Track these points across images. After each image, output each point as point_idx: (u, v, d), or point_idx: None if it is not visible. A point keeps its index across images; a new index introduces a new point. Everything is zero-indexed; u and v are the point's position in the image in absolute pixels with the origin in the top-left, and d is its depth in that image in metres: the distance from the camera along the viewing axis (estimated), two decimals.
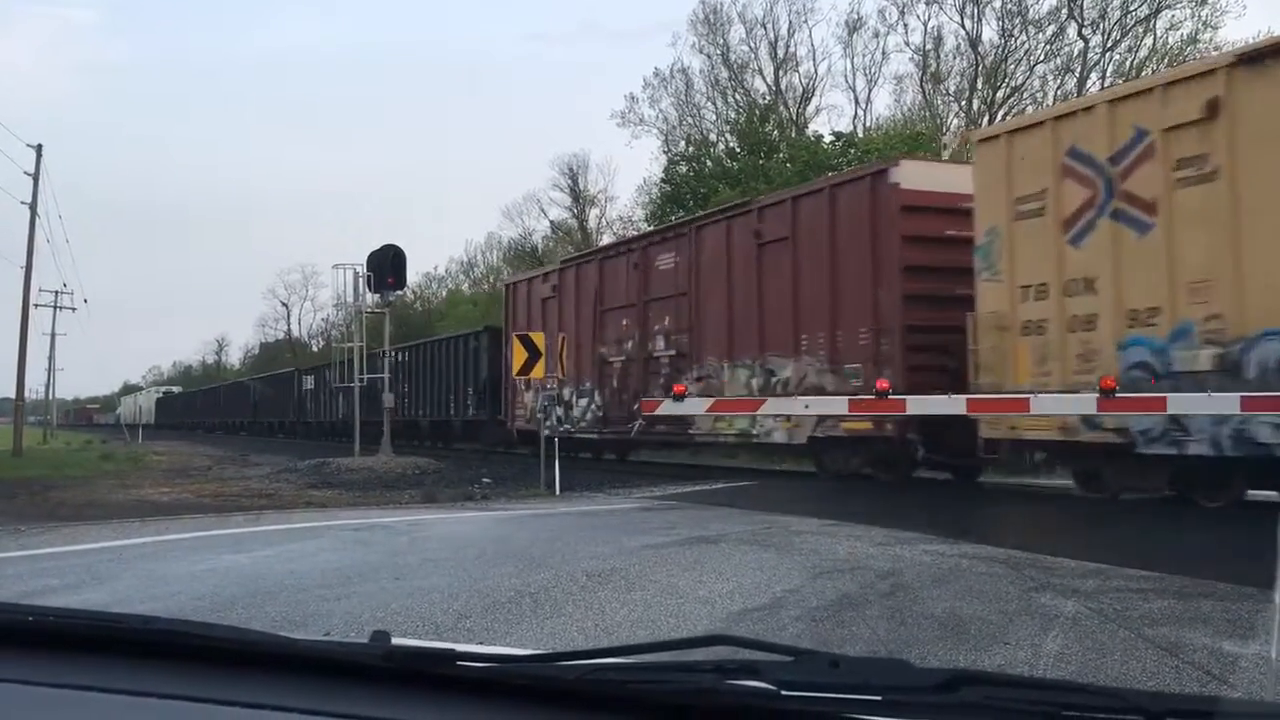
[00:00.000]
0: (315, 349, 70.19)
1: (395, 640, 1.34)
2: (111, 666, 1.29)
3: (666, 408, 16.51)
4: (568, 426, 18.51)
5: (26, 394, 33.48)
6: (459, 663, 1.22)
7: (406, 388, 29.24)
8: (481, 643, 4.42)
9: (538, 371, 14.58)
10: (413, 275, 54.95)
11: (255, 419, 51.47)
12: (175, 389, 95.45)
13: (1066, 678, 3.96)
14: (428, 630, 4.79)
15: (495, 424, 23.38)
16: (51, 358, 57.80)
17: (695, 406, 15.94)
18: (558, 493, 13.41)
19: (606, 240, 46.31)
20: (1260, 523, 8.31)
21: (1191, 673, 4.02)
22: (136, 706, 1.21)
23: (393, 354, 28.17)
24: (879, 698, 1.09)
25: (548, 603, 5.44)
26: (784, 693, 1.10)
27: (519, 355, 14.50)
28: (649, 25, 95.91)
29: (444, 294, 61.24)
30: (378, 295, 20.73)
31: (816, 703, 1.11)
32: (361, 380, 20.94)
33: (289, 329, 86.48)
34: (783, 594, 5.68)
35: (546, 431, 17.07)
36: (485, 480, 15.87)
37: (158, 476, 18.22)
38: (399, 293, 27.69)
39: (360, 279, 20.18)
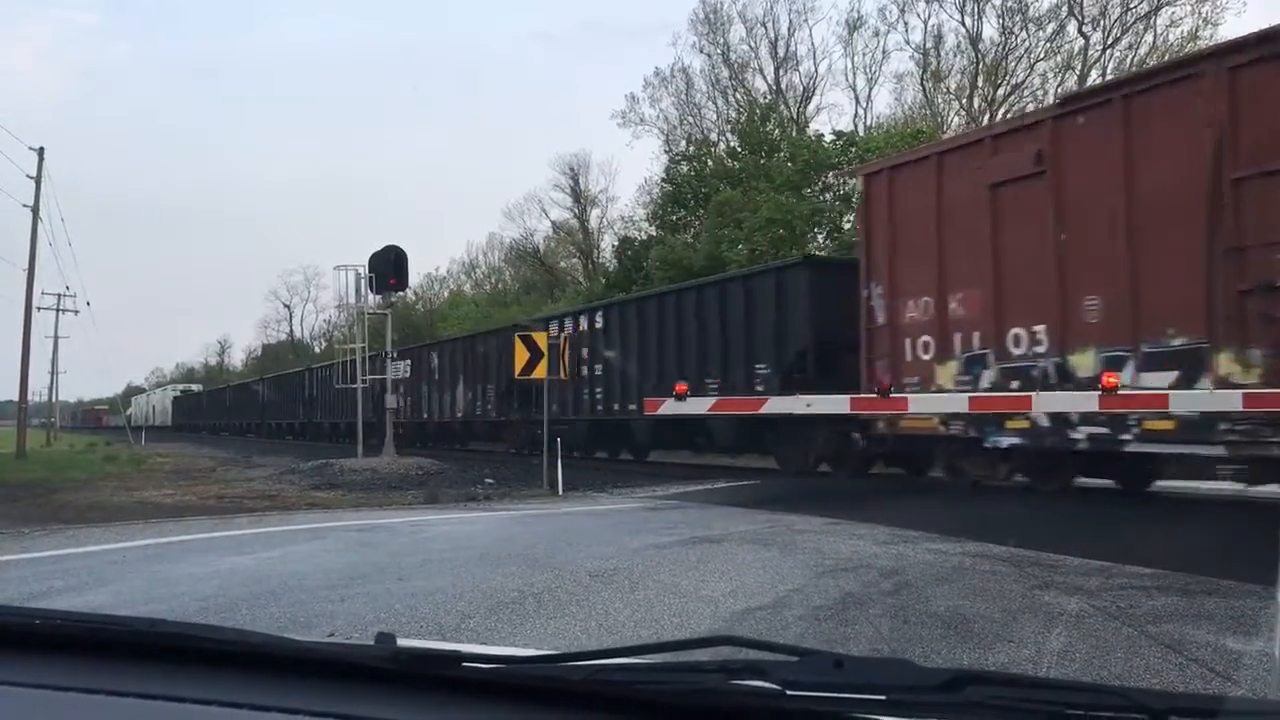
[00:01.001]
0: (318, 350, 70.18)
1: (400, 641, 1.34)
2: (118, 669, 1.30)
3: (669, 407, 16.51)
4: (1101, 430, 10.07)
5: (31, 397, 33.55)
6: (464, 664, 1.23)
7: (611, 358, 19.31)
8: (485, 643, 4.42)
9: (540, 373, 14.44)
10: (414, 276, 54.67)
11: (309, 419, 40.98)
12: (194, 387, 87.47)
13: (1070, 676, 3.97)
14: (431, 631, 4.79)
15: (831, 425, 14.03)
16: (54, 360, 57.81)
17: (697, 406, 15.95)
18: (560, 493, 13.41)
19: (608, 240, 46.37)
20: (1263, 521, 8.32)
21: (1195, 670, 4.02)
22: (143, 709, 1.22)
23: (584, 319, 20.48)
24: (883, 697, 1.09)
25: (551, 603, 5.44)
26: (788, 692, 1.10)
27: (520, 356, 14.43)
28: (650, 24, 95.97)
29: (445, 295, 61.31)
30: (379, 296, 20.72)
31: (821, 702, 1.11)
32: (364, 381, 20.88)
33: (291, 330, 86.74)
34: (786, 593, 5.68)
35: (1007, 439, 10.89)
36: (488, 481, 15.88)
37: (161, 479, 18.23)
38: (401, 294, 27.31)
39: (362, 280, 20.17)
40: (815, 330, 14.47)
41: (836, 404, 13.13)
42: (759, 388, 15.13)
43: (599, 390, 19.57)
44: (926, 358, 12.18)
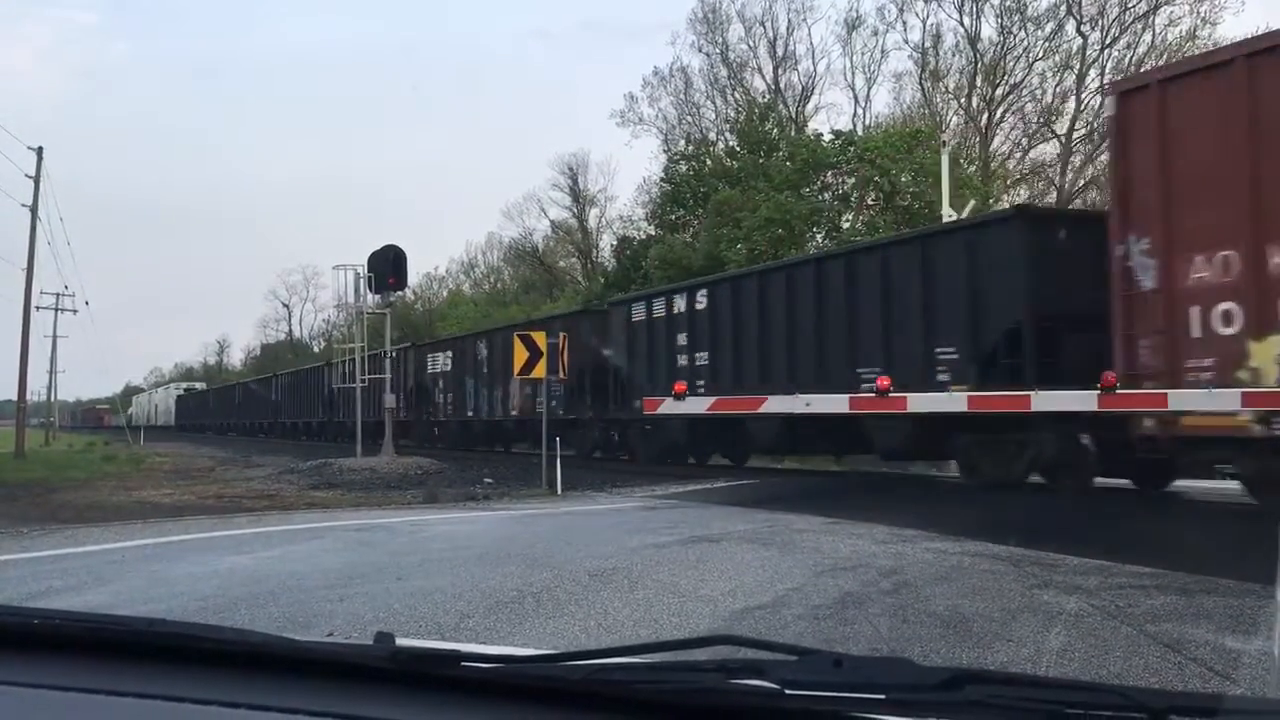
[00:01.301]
0: (317, 350, 70.08)
1: (399, 641, 1.34)
2: (117, 669, 1.30)
3: (668, 406, 16.50)
4: None
5: (30, 397, 33.53)
6: (464, 664, 1.23)
7: (721, 345, 16.18)
8: (484, 643, 4.42)
9: (539, 372, 14.43)
10: (413, 276, 54.28)
11: (329, 418, 35.76)
12: (199, 385, 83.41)
13: (1069, 675, 3.97)
14: (430, 631, 4.79)
15: (1056, 425, 11.23)
16: (53, 359, 57.63)
17: (696, 405, 15.94)
18: (559, 492, 13.40)
19: (607, 240, 46.35)
20: (1261, 519, 8.31)
21: (1194, 669, 4.02)
22: (142, 709, 1.22)
23: (681, 299, 17.31)
24: (883, 696, 1.09)
25: (550, 602, 5.44)
26: (788, 692, 1.10)
27: (519, 355, 14.41)
28: (649, 24, 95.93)
29: (445, 294, 61.28)
30: (379, 296, 20.71)
31: (820, 701, 1.11)
32: (363, 380, 20.83)
33: (290, 330, 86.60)
34: (785, 592, 5.68)
35: None
36: (487, 480, 15.87)
37: (160, 478, 18.21)
38: (400, 293, 27.01)
39: (361, 280, 20.16)
40: (1033, 302, 11.27)
41: (836, 404, 13.05)
42: (942, 377, 12.23)
43: (700, 383, 16.59)
44: (1229, 331, 9.15)
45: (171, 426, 74.09)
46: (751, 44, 40.41)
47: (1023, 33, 34.84)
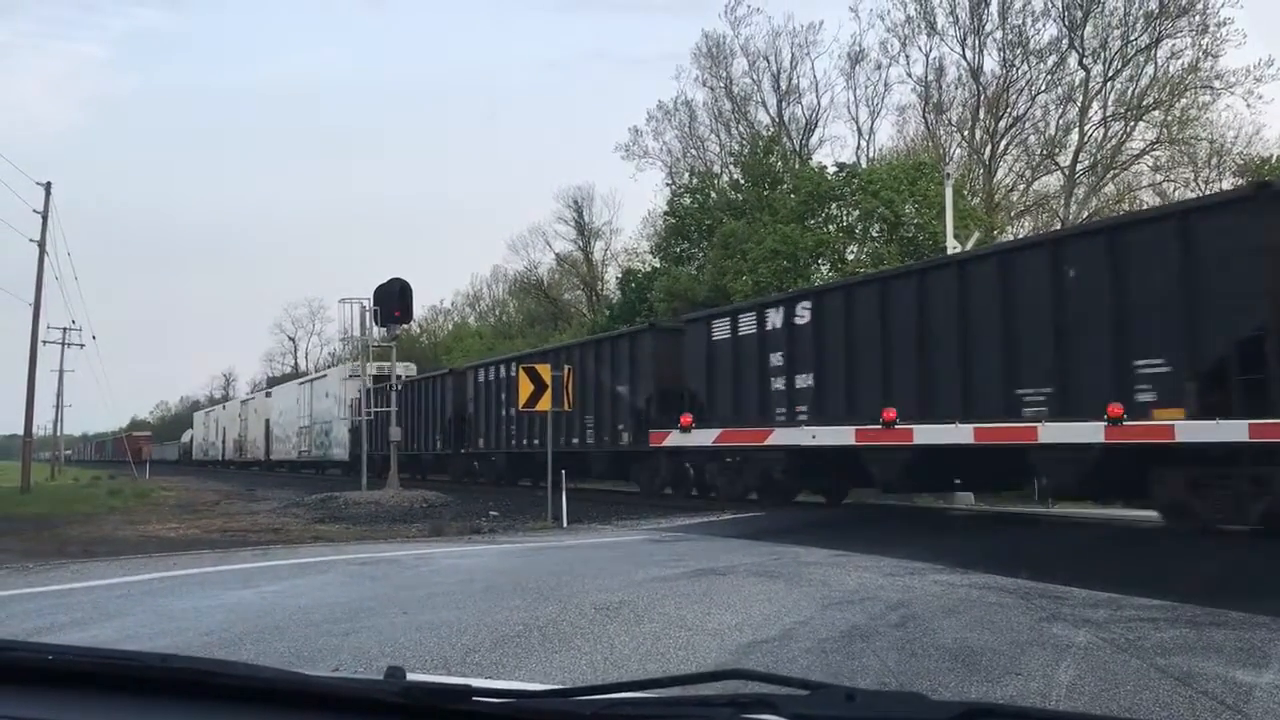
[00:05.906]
0: None
1: (407, 676, 1.34)
2: (131, 705, 1.30)
3: (674, 439, 16.54)
4: None
5: (36, 431, 33.56)
6: (475, 698, 1.23)
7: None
8: (491, 678, 4.40)
9: (544, 405, 14.46)
10: (419, 309, 53.97)
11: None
12: (403, 369, 29.13)
13: (1079, 709, 3.94)
14: (436, 665, 4.77)
15: None
16: (60, 394, 57.65)
17: (702, 438, 15.97)
18: (565, 525, 13.37)
19: (612, 272, 46.53)
20: (1271, 552, 8.28)
21: (1205, 703, 3.99)
22: None
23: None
24: None
25: (556, 636, 5.41)
26: None
27: (524, 388, 14.46)
28: (655, 57, 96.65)
29: (450, 327, 61.42)
30: (384, 329, 20.78)
31: None
32: (368, 414, 20.80)
33: (296, 363, 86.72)
34: (792, 625, 5.65)
35: None
36: (493, 513, 15.83)
37: (165, 512, 18.19)
38: (405, 326, 26.99)
39: (367, 313, 20.23)
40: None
41: (841, 435, 13.12)
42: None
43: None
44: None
45: (342, 461, 34.86)
46: (755, 78, 40.73)
47: (1025, 66, 35.10)
